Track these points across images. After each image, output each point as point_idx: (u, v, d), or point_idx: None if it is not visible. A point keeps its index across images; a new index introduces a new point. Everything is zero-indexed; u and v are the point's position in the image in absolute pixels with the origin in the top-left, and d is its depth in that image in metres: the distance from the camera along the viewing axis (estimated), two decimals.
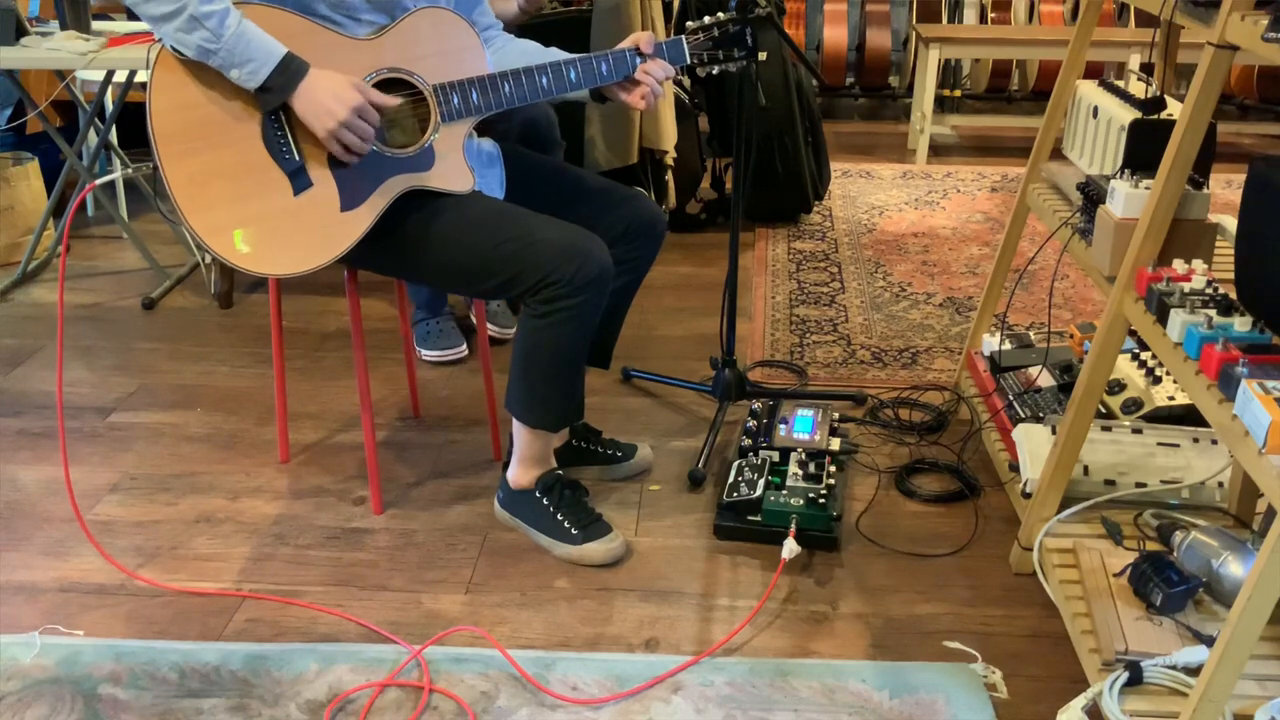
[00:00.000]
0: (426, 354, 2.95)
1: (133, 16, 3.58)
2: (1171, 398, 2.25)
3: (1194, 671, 1.62)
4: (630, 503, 2.31)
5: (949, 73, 5.78)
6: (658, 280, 3.41)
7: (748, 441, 2.38)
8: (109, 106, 3.57)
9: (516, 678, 1.81)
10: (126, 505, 2.29)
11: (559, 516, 2.13)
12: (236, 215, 1.90)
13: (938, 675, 1.81)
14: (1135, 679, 1.63)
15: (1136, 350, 2.41)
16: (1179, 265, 1.73)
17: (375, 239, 1.97)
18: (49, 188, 3.68)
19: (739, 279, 2.74)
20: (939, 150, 5.13)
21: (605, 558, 2.10)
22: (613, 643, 1.90)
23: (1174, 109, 1.99)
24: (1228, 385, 1.43)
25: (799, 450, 2.31)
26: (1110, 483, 2.08)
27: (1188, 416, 2.23)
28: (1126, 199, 1.85)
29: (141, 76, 3.24)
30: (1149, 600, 1.76)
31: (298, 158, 1.91)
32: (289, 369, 2.83)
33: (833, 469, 2.26)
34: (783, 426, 2.41)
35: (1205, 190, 1.84)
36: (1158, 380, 2.31)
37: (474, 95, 1.97)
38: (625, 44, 2.03)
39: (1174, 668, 1.64)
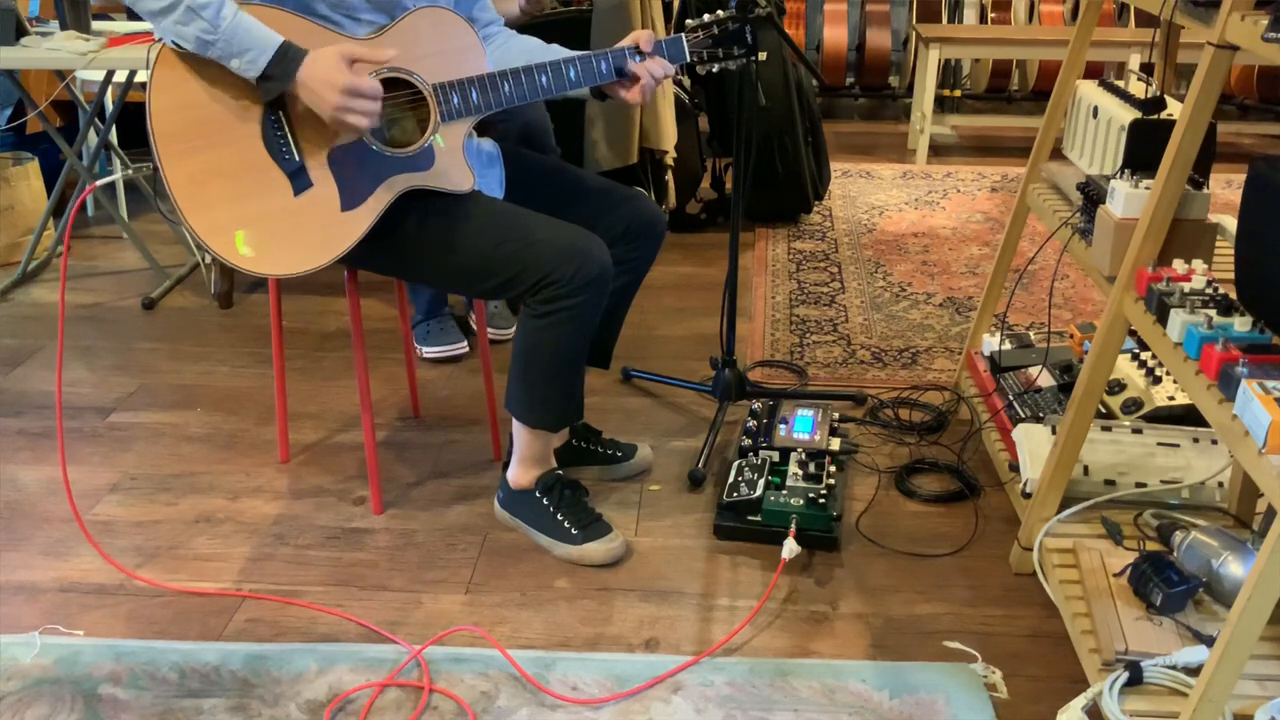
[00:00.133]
0: (427, 351, 2.95)
1: (133, 16, 3.58)
2: (1171, 398, 2.25)
3: (1194, 671, 1.62)
4: (630, 503, 2.31)
5: (949, 73, 5.78)
6: (658, 280, 3.41)
7: (748, 441, 2.38)
8: (109, 106, 3.57)
9: (516, 678, 1.81)
10: (126, 505, 2.29)
11: (559, 516, 2.13)
12: (236, 215, 1.90)
13: (938, 675, 1.81)
14: (1135, 679, 1.63)
15: (1136, 350, 2.41)
16: (1179, 265, 1.73)
17: (375, 239, 1.97)
18: (49, 188, 3.68)
19: (739, 279, 2.74)
20: (939, 150, 5.13)
21: (605, 558, 2.10)
22: (613, 643, 1.90)
23: (1174, 109, 1.99)
24: (1228, 385, 1.43)
25: (799, 450, 2.31)
26: (1110, 483, 2.08)
27: (1188, 416, 2.23)
28: (1126, 199, 1.85)
29: (141, 76, 3.24)
30: (1149, 600, 1.76)
31: (297, 157, 1.91)
32: (289, 369, 2.83)
33: (833, 469, 2.26)
34: (783, 426, 2.41)
35: (1205, 190, 1.84)
36: (1158, 380, 2.31)
37: (474, 95, 1.97)
38: (625, 42, 2.03)
39: (1174, 668, 1.64)
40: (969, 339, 2.70)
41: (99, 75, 3.44)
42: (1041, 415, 2.28)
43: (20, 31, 3.08)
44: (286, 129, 1.90)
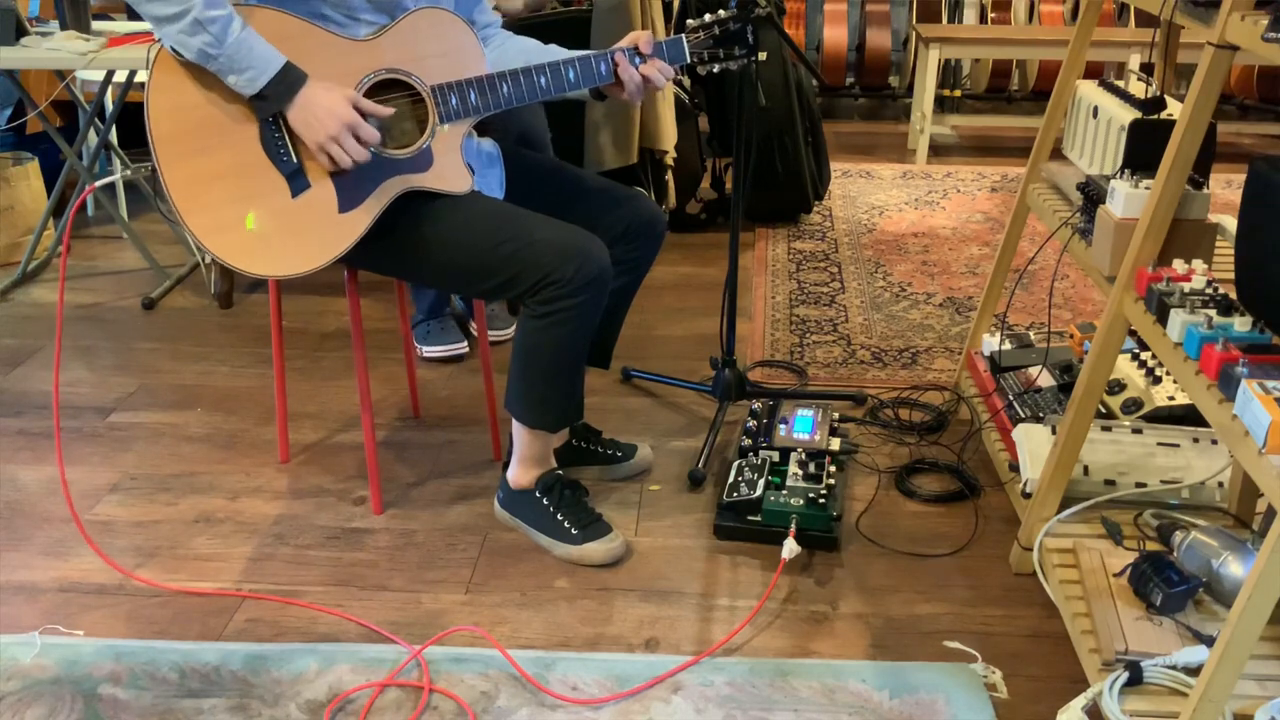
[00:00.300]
0: (428, 350, 2.95)
1: (133, 16, 3.58)
2: (1171, 398, 2.25)
3: (1194, 671, 1.62)
4: (630, 503, 2.31)
5: (949, 73, 5.78)
6: (658, 280, 3.41)
7: (748, 441, 2.38)
8: (109, 106, 3.57)
9: (516, 678, 1.81)
10: (126, 505, 2.29)
11: (559, 516, 2.13)
12: (235, 216, 1.90)
13: (938, 675, 1.81)
14: (1135, 679, 1.63)
15: (1136, 350, 2.41)
16: (1179, 265, 1.73)
17: (374, 239, 1.97)
18: (49, 188, 3.68)
19: (739, 279, 2.74)
20: (939, 150, 5.13)
21: (605, 558, 2.10)
22: (613, 643, 1.90)
23: (1174, 109, 1.99)
24: (1228, 385, 1.43)
25: (799, 450, 2.31)
26: (1110, 483, 2.08)
27: (1188, 416, 2.23)
28: (1126, 199, 1.85)
29: (141, 76, 3.23)
30: (1149, 600, 1.76)
31: (295, 160, 1.91)
32: (289, 369, 2.83)
33: (833, 469, 2.26)
34: (783, 426, 2.41)
35: (1205, 190, 1.84)
36: (1158, 380, 2.31)
37: (472, 96, 1.97)
38: (624, 43, 2.03)
39: (1174, 668, 1.63)
40: (969, 339, 2.70)
41: (99, 75, 3.44)
42: (1041, 415, 2.28)
43: (20, 31, 3.09)
44: (284, 132, 1.90)
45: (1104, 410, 2.29)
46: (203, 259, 3.50)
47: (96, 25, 3.27)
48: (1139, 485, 2.07)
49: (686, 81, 3.88)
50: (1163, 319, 1.63)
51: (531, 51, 2.13)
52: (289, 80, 1.86)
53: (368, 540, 2.18)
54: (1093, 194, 1.99)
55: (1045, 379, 2.43)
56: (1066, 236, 2.07)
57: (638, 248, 2.17)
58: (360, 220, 1.95)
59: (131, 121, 3.82)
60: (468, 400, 2.75)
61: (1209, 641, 1.67)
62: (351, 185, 1.94)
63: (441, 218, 1.98)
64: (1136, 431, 2.17)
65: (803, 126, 3.87)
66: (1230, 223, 1.89)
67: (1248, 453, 1.36)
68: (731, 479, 2.26)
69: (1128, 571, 1.81)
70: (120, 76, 3.39)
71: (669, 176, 3.71)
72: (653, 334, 3.13)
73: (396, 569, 2.09)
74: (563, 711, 1.74)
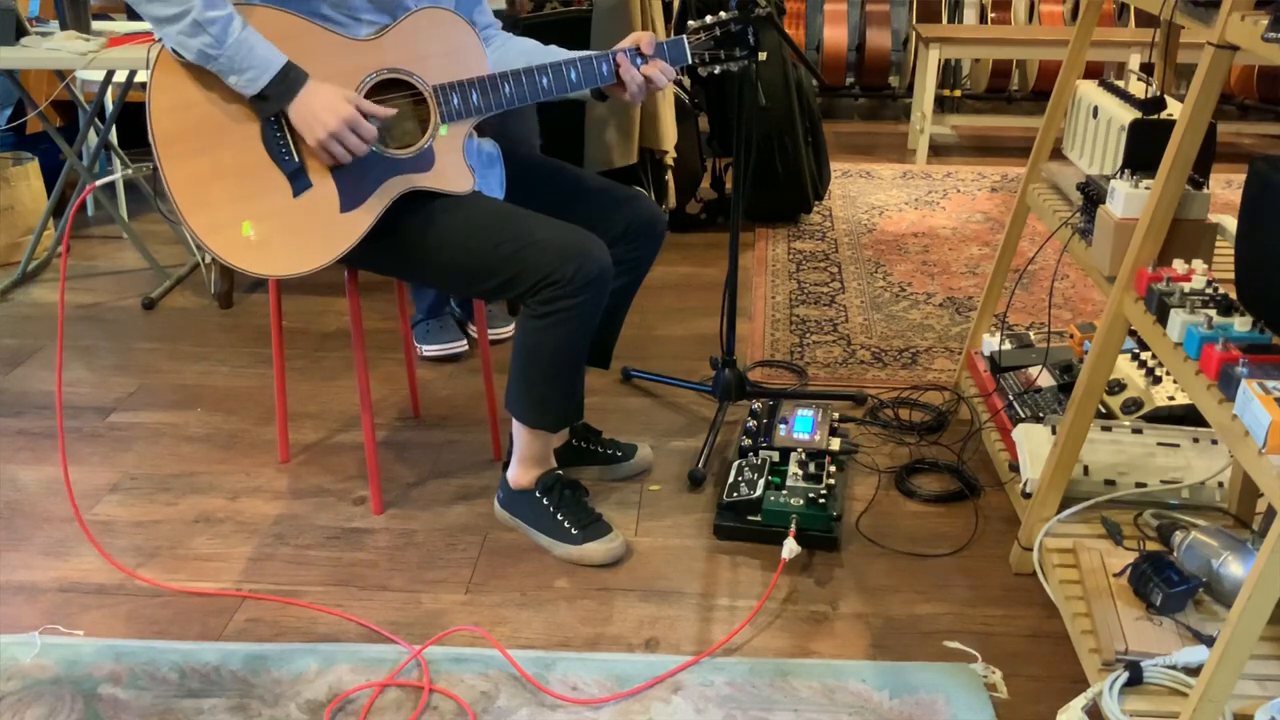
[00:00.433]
0: (427, 349, 2.95)
1: (133, 16, 3.58)
2: (1171, 398, 2.25)
3: (1194, 671, 1.62)
4: (630, 503, 2.32)
5: (949, 73, 5.78)
6: (658, 280, 3.41)
7: (748, 441, 2.38)
8: (109, 106, 3.57)
9: (516, 678, 1.81)
10: (126, 505, 2.29)
11: (559, 516, 2.13)
12: (236, 216, 1.90)
13: (938, 675, 1.81)
14: (1135, 679, 1.63)
15: (1136, 350, 2.41)
16: (1179, 265, 1.73)
17: (375, 239, 1.97)
18: (49, 188, 3.68)
19: (739, 279, 2.74)
20: (939, 150, 5.13)
21: (605, 558, 2.10)
22: (613, 643, 1.90)
23: (1174, 109, 1.99)
24: (1228, 385, 1.43)
25: (799, 450, 2.31)
26: (1110, 483, 2.08)
27: (1188, 416, 2.23)
28: (1126, 199, 1.85)
29: (141, 76, 3.24)
30: (1149, 600, 1.76)
31: (297, 159, 1.91)
32: (289, 369, 2.83)
33: (833, 469, 2.26)
34: (783, 426, 2.41)
35: (1205, 190, 1.84)
36: (1158, 380, 2.31)
37: (474, 96, 1.97)
38: (626, 43, 2.03)
39: (1174, 668, 1.64)
40: (969, 339, 2.70)
41: (99, 75, 3.44)
42: (1041, 415, 2.28)
43: (20, 31, 3.09)
44: (286, 131, 1.90)
45: (1104, 410, 2.29)
46: (203, 259, 3.50)
47: (96, 25, 3.26)
48: (1139, 485, 2.07)
49: (686, 81, 3.88)
50: (1163, 319, 1.63)
51: (532, 52, 2.13)
52: (290, 80, 1.86)
53: (368, 540, 2.18)
54: (1093, 194, 1.99)
55: (1045, 379, 2.43)
56: (1066, 236, 2.07)
57: (638, 248, 2.17)
58: (362, 220, 1.95)
59: (131, 121, 3.83)
60: (468, 400, 2.75)
61: (1209, 641, 1.67)
62: (353, 185, 1.94)
63: (442, 218, 1.98)
64: (1136, 431, 2.17)
65: (803, 126, 3.87)
66: (1230, 223, 1.89)
67: (1248, 453, 1.36)
68: (731, 479, 2.26)
69: (1128, 571, 1.81)
70: (120, 76, 3.39)
71: (669, 176, 3.72)
72: (653, 334, 3.13)
73: (396, 569, 2.09)
74: (563, 711, 1.74)
